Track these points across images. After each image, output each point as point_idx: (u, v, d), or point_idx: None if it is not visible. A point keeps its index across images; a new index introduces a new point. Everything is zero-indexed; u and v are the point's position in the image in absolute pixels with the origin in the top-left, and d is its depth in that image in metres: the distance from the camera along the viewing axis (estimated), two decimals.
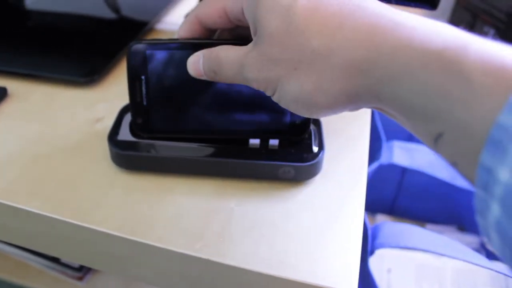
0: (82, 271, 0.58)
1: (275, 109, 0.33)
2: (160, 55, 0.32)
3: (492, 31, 0.81)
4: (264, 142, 0.34)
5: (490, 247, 0.67)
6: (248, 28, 0.27)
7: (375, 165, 0.54)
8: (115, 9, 0.58)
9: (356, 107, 0.24)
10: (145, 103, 0.33)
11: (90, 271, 0.60)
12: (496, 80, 0.17)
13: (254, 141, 0.34)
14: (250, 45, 0.26)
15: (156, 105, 0.33)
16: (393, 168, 0.64)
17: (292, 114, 0.33)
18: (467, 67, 0.18)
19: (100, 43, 0.51)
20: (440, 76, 0.19)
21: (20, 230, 0.34)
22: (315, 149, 0.34)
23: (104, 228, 0.30)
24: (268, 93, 0.26)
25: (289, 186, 0.34)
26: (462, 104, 0.18)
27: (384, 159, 0.56)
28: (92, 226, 0.30)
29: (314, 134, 0.35)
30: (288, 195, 0.33)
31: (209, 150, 0.33)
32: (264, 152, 0.33)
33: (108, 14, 0.58)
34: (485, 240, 0.67)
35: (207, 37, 0.32)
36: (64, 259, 0.56)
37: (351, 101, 0.23)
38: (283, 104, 0.26)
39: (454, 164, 0.20)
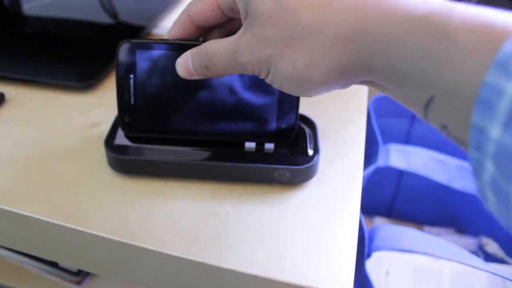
0: (80, 275, 0.58)
1: (262, 112, 0.33)
2: (149, 55, 0.32)
3: None
4: (260, 145, 0.34)
5: (486, 249, 0.67)
6: (240, 21, 0.28)
7: (371, 168, 0.54)
8: (112, 14, 0.59)
9: (348, 82, 0.25)
10: (132, 102, 0.33)
11: (88, 275, 0.60)
12: (480, 38, 0.18)
13: (250, 145, 0.34)
14: (240, 31, 0.27)
15: (143, 105, 0.33)
16: (390, 171, 0.64)
17: (278, 118, 0.33)
18: (452, 29, 0.19)
19: (97, 48, 0.51)
20: (426, 40, 0.19)
21: (17, 234, 0.34)
22: (311, 152, 0.34)
23: (101, 232, 0.30)
24: (262, 75, 0.27)
25: (285, 189, 0.34)
26: (449, 65, 0.19)
27: (380, 162, 0.56)
28: (88, 230, 0.30)
29: (310, 137, 0.35)
30: (284, 198, 0.33)
31: (205, 153, 0.34)
32: (259, 155, 0.34)
33: (105, 19, 0.58)
34: (483, 240, 0.67)
35: (199, 36, 0.32)
36: (61, 263, 0.56)
37: (343, 75, 0.24)
38: (276, 85, 0.26)
39: (444, 127, 0.20)
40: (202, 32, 0.32)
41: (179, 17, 0.31)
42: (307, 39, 0.23)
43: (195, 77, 0.30)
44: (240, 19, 0.28)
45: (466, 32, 0.18)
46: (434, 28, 0.19)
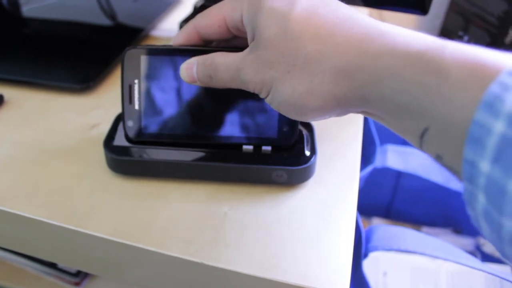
0: (79, 276, 0.58)
1: (263, 119, 0.33)
2: (154, 61, 0.33)
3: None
4: (257, 146, 0.34)
5: (484, 249, 0.67)
6: (243, 39, 0.29)
7: (369, 169, 0.54)
8: (111, 16, 0.59)
9: (344, 111, 0.26)
10: (136, 107, 0.34)
11: (87, 276, 0.60)
12: (470, 75, 0.19)
13: (248, 146, 0.34)
14: (246, 50, 0.28)
15: (148, 110, 0.34)
16: (387, 171, 0.64)
17: (279, 123, 0.33)
18: (445, 65, 0.20)
19: (96, 50, 0.52)
20: (421, 75, 0.21)
21: (16, 235, 0.34)
22: (308, 153, 0.34)
23: (99, 233, 0.30)
24: (262, 95, 0.28)
25: (282, 190, 0.34)
26: (442, 99, 0.20)
27: (378, 163, 0.57)
28: (87, 231, 0.30)
29: (307, 138, 0.36)
30: (281, 199, 0.34)
31: (203, 155, 0.34)
32: (257, 156, 0.34)
33: (104, 21, 0.59)
34: (480, 240, 0.68)
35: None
36: (60, 264, 0.56)
37: (340, 104, 0.25)
38: (275, 106, 0.27)
39: (438, 157, 0.21)
40: (206, 44, 0.33)
41: (186, 26, 0.32)
42: (308, 67, 0.25)
43: (197, 83, 0.31)
44: (243, 37, 0.29)
45: (458, 68, 0.19)
46: (429, 64, 0.20)
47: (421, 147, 0.22)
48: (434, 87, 0.20)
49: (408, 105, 0.21)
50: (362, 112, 0.26)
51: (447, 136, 0.20)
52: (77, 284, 0.58)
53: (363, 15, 0.25)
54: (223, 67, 0.29)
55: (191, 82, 0.31)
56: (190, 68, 0.31)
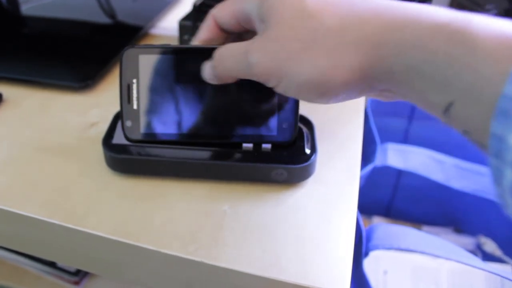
0: (78, 275, 0.58)
1: (262, 117, 0.33)
2: (153, 60, 0.33)
3: None
4: (257, 145, 0.34)
5: (485, 249, 0.67)
6: (254, 34, 0.28)
7: (369, 167, 0.54)
8: (110, 14, 0.59)
9: (368, 87, 0.25)
10: (135, 106, 0.33)
11: (86, 275, 0.60)
12: (499, 46, 0.18)
13: (247, 144, 0.34)
14: (255, 37, 0.27)
15: (146, 109, 0.33)
16: (388, 170, 0.64)
17: (279, 121, 0.33)
18: (472, 36, 0.19)
19: (95, 48, 0.52)
20: (447, 45, 0.20)
21: (15, 234, 0.34)
22: (308, 151, 0.34)
23: (99, 231, 0.30)
24: (272, 82, 0.26)
25: (282, 188, 0.34)
26: (469, 70, 0.19)
27: (378, 161, 0.56)
28: (86, 229, 0.30)
29: (307, 136, 0.35)
30: (281, 197, 0.33)
31: (203, 153, 0.34)
32: (257, 154, 0.34)
33: (103, 19, 0.58)
34: (481, 239, 0.67)
35: (224, 38, 0.32)
36: (59, 263, 0.56)
37: (365, 78, 0.24)
38: (292, 91, 0.26)
39: (465, 132, 0.21)
40: (228, 35, 0.32)
41: (206, 18, 0.31)
42: (329, 41, 0.24)
43: (213, 81, 0.30)
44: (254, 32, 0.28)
45: (485, 39, 0.19)
46: (455, 34, 0.20)
47: (447, 122, 0.22)
48: (460, 57, 0.19)
49: (433, 77, 0.21)
50: (385, 91, 0.25)
51: (474, 110, 0.19)
52: (76, 283, 0.58)
53: None
54: (228, 53, 0.28)
55: (210, 80, 0.30)
56: (207, 66, 0.30)
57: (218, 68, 0.29)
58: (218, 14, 0.30)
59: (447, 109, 0.21)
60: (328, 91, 0.25)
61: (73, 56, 0.50)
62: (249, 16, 0.28)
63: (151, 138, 0.34)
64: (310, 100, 0.26)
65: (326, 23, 0.24)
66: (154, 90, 0.33)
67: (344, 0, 0.24)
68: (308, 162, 0.33)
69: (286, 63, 0.25)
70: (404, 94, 0.24)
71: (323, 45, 0.24)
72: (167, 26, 0.60)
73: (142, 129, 0.34)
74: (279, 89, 0.26)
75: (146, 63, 0.33)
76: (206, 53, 0.31)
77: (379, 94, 0.26)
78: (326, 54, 0.24)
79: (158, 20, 0.60)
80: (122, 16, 0.59)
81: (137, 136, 0.34)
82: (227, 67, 0.28)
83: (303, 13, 0.24)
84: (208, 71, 0.30)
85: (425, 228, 0.75)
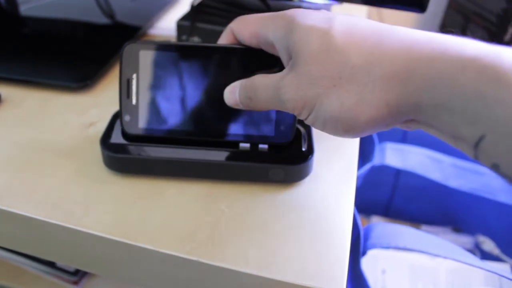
0: (77, 275, 0.58)
1: (262, 116, 0.33)
2: (153, 56, 0.33)
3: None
4: (254, 144, 0.34)
5: (483, 247, 0.67)
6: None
7: (367, 167, 0.54)
8: (109, 14, 0.59)
9: (394, 121, 0.25)
10: (134, 102, 0.34)
11: (85, 275, 0.60)
12: None
13: (244, 144, 0.34)
14: (284, 70, 0.27)
15: (145, 105, 0.34)
16: (386, 169, 0.64)
17: (277, 121, 0.33)
18: (503, 70, 0.19)
19: (93, 48, 0.52)
20: (477, 79, 0.20)
21: (14, 234, 0.34)
22: (305, 151, 0.34)
23: (96, 231, 0.30)
24: (302, 115, 0.27)
25: (279, 188, 0.34)
26: (501, 105, 0.19)
27: (376, 160, 0.57)
28: (84, 229, 0.30)
29: (304, 136, 0.36)
30: (278, 197, 0.33)
31: (200, 152, 0.34)
32: (254, 154, 0.34)
33: (101, 19, 0.58)
34: (479, 238, 0.68)
35: None
36: (58, 262, 0.56)
37: (391, 113, 0.24)
38: (319, 124, 0.26)
39: (494, 166, 0.21)
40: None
41: (225, 31, 0.32)
42: (356, 78, 0.24)
43: (240, 106, 0.31)
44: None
45: None
46: (485, 68, 0.20)
47: (475, 156, 0.22)
48: (493, 92, 0.19)
49: (464, 111, 0.21)
50: (411, 122, 0.25)
51: (506, 144, 0.19)
52: (75, 283, 0.58)
53: (401, 27, 0.24)
54: (262, 88, 0.28)
55: (234, 106, 0.31)
56: (233, 92, 0.31)
57: (253, 101, 0.29)
58: (238, 31, 0.31)
59: (477, 143, 0.21)
60: (353, 128, 0.25)
61: (72, 57, 0.50)
62: (272, 44, 0.29)
63: (149, 134, 0.34)
64: (335, 134, 0.27)
65: (353, 59, 0.24)
66: (154, 86, 0.33)
67: (372, 35, 0.24)
68: (305, 162, 0.33)
69: (316, 99, 0.25)
70: (432, 126, 0.24)
71: (350, 82, 0.24)
72: (165, 26, 0.60)
73: (141, 124, 0.34)
74: (308, 122, 0.27)
75: (147, 59, 0.33)
76: (206, 51, 0.31)
77: (404, 126, 0.26)
78: (352, 91, 0.24)
79: (157, 20, 0.60)
80: (120, 16, 0.59)
81: (136, 131, 0.34)
82: (261, 101, 0.29)
83: (330, 47, 0.24)
84: (239, 99, 0.30)
85: (424, 227, 0.75)
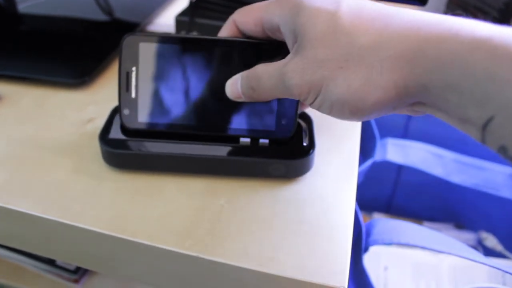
0: (78, 273, 0.58)
1: (263, 110, 0.33)
2: (153, 48, 0.32)
3: None
4: (255, 139, 0.34)
5: (486, 244, 0.67)
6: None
7: (368, 162, 0.54)
8: (107, 11, 0.58)
9: (402, 104, 0.24)
10: (133, 95, 0.33)
11: (86, 273, 0.60)
12: None
13: (245, 139, 0.34)
14: (289, 55, 0.27)
15: (144, 98, 0.33)
16: (388, 165, 0.64)
17: (277, 115, 0.33)
18: None
19: (91, 45, 0.51)
20: (488, 60, 0.19)
21: (13, 231, 0.34)
22: (306, 146, 0.34)
23: (95, 227, 0.30)
24: (308, 100, 0.26)
25: (280, 183, 0.34)
26: (511, 85, 0.19)
27: (377, 156, 0.56)
28: (82, 225, 0.30)
29: (305, 131, 0.35)
30: (279, 192, 0.33)
31: (199, 148, 0.33)
32: (254, 149, 0.33)
33: (99, 16, 0.58)
34: (482, 235, 0.67)
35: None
36: (57, 259, 0.56)
37: (399, 95, 0.23)
38: (326, 108, 0.26)
39: (501, 149, 0.20)
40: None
41: (227, 22, 0.32)
42: (363, 59, 0.23)
43: (242, 99, 0.30)
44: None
45: None
46: (496, 49, 0.19)
47: (482, 138, 0.21)
48: (503, 73, 0.19)
49: (473, 92, 0.20)
50: (418, 105, 0.24)
51: None
52: (76, 281, 0.58)
53: (410, 9, 0.24)
54: (266, 76, 0.28)
55: (236, 98, 0.30)
56: (234, 84, 0.30)
57: (257, 91, 0.29)
58: (241, 20, 0.30)
59: (485, 125, 0.20)
60: (360, 110, 0.25)
61: (70, 53, 0.50)
62: (278, 27, 0.28)
63: (148, 128, 0.34)
64: (341, 117, 0.26)
65: (360, 40, 0.23)
66: (153, 79, 0.33)
67: (380, 15, 0.24)
68: (306, 157, 0.33)
69: (322, 82, 0.25)
70: (439, 108, 0.23)
71: (357, 64, 0.24)
72: (164, 22, 0.60)
73: (140, 118, 0.34)
74: (314, 106, 0.27)
75: (146, 51, 0.32)
76: (208, 43, 0.31)
77: (410, 110, 0.26)
78: (360, 72, 0.24)
79: (155, 17, 0.60)
80: (119, 13, 0.59)
81: (135, 125, 0.34)
82: (265, 89, 0.28)
83: (337, 29, 0.24)
84: (241, 90, 0.30)
85: (426, 224, 0.75)
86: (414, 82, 0.22)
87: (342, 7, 0.24)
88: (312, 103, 0.27)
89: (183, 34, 0.32)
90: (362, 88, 0.24)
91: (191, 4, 0.51)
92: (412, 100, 0.24)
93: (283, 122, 0.33)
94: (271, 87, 0.28)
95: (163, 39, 0.32)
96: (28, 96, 0.44)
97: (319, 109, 0.27)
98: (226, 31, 0.32)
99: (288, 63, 0.26)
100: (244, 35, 0.32)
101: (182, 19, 0.50)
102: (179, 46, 0.32)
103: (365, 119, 0.26)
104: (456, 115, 0.22)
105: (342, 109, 0.25)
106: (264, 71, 0.28)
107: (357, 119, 0.26)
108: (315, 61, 0.25)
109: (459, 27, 0.21)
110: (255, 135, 0.33)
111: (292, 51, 0.27)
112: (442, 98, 0.22)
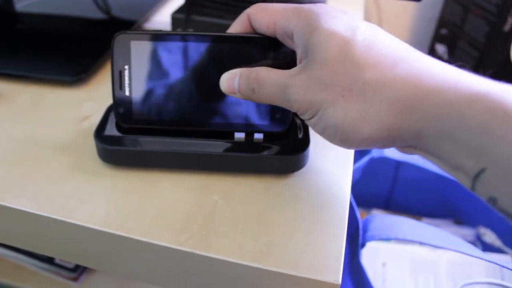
0: (76, 271, 0.58)
1: (256, 105, 0.33)
2: (145, 46, 0.32)
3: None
4: (249, 135, 0.34)
5: (484, 239, 0.67)
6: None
7: (365, 158, 0.54)
8: (103, 8, 0.58)
9: (391, 144, 0.25)
10: (127, 93, 0.33)
11: (84, 272, 0.60)
12: None
13: (239, 135, 0.34)
14: (296, 68, 0.27)
15: (139, 96, 0.33)
16: (386, 162, 0.64)
17: (272, 110, 0.33)
18: (509, 107, 0.20)
19: (88, 42, 0.51)
20: (484, 114, 0.20)
21: (9, 229, 0.34)
22: (301, 142, 0.34)
23: (91, 224, 0.30)
24: (305, 116, 0.27)
25: (275, 178, 0.34)
26: (506, 141, 0.20)
27: (375, 152, 0.56)
28: (78, 222, 0.30)
29: (300, 127, 0.35)
30: (273, 188, 0.33)
31: (194, 144, 0.33)
32: (249, 145, 0.33)
33: (96, 14, 0.58)
34: (481, 230, 0.67)
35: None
36: (53, 256, 0.56)
37: (391, 136, 0.24)
38: (319, 128, 0.27)
39: (491, 200, 0.21)
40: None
41: (240, 16, 0.32)
42: (365, 93, 0.24)
43: (237, 95, 0.30)
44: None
45: None
46: (494, 104, 0.20)
47: (472, 186, 0.22)
48: (497, 129, 0.20)
49: (468, 143, 0.21)
50: (408, 147, 0.25)
51: (506, 179, 0.20)
52: (74, 279, 0.58)
53: (421, 53, 0.25)
54: (269, 82, 0.28)
55: (230, 93, 0.31)
56: (232, 79, 0.30)
57: (256, 94, 0.29)
58: (255, 17, 0.31)
59: (477, 175, 0.21)
60: (349, 141, 0.25)
61: (67, 51, 0.50)
62: (291, 35, 0.28)
63: (143, 125, 0.34)
64: (331, 142, 0.27)
65: (366, 75, 0.24)
66: (146, 76, 0.33)
67: (390, 57, 0.24)
68: (301, 153, 0.33)
69: (322, 105, 0.26)
70: (431, 153, 0.24)
71: (358, 97, 0.24)
72: (161, 19, 0.60)
73: (134, 115, 0.34)
74: (309, 123, 0.27)
75: (138, 49, 0.32)
76: (199, 39, 0.31)
77: (401, 149, 0.26)
78: (358, 106, 0.24)
79: (152, 14, 0.60)
80: (115, 10, 0.59)
81: (129, 122, 0.34)
82: (264, 95, 0.29)
83: (347, 57, 0.25)
84: (239, 88, 0.30)
85: (425, 220, 0.75)
86: (409, 127, 0.23)
87: (357, 36, 0.25)
88: (308, 120, 0.27)
89: (173, 31, 0.32)
90: (357, 121, 0.24)
91: (187, 1, 0.51)
92: (403, 144, 0.25)
93: (277, 116, 0.33)
94: (271, 94, 0.28)
95: (154, 36, 0.32)
96: (25, 94, 0.44)
97: (312, 127, 0.27)
98: (239, 26, 0.32)
99: (294, 78, 0.27)
100: (255, 31, 0.32)
101: (178, 17, 0.50)
102: (171, 42, 0.32)
103: (353, 148, 0.27)
104: (448, 162, 0.23)
105: (334, 135, 0.26)
106: (267, 76, 0.28)
107: (346, 148, 0.27)
108: (320, 83, 0.25)
109: (460, 79, 0.22)
110: (249, 129, 0.33)
111: (299, 65, 0.27)
112: (435, 145, 0.23)
